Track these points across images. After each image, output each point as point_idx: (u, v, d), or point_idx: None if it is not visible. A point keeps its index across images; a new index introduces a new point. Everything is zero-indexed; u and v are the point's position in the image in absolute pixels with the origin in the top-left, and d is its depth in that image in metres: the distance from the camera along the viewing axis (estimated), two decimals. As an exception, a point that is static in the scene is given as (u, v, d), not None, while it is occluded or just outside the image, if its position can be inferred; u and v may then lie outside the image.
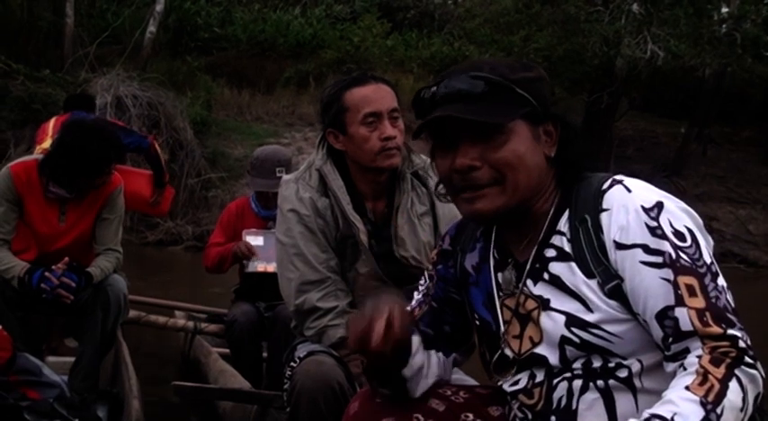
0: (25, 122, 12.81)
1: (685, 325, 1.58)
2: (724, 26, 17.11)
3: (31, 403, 3.12)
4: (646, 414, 1.50)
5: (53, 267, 3.82)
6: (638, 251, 1.65)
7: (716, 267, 1.65)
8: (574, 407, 1.73)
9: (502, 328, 1.84)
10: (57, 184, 3.93)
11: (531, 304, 1.79)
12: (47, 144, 5.53)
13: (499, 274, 1.87)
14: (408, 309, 2.06)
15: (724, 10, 17.92)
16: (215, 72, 17.20)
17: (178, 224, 13.17)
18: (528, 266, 1.79)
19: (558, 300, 1.74)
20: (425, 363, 1.92)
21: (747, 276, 13.96)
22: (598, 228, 1.71)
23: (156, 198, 6.13)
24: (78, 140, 3.82)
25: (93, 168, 3.88)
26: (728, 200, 17.21)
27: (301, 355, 2.65)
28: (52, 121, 6.11)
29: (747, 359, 1.55)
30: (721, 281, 1.64)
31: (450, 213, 2.71)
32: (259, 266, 4.50)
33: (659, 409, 1.50)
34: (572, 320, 1.71)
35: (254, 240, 4.54)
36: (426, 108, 1.77)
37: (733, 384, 1.52)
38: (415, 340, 1.89)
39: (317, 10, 19.50)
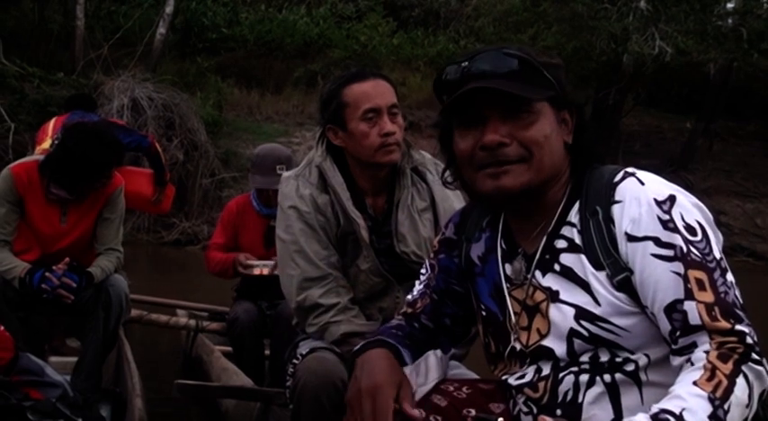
0: (41, 125, 12.88)
1: (694, 319, 1.58)
2: (730, 20, 17.09)
3: (34, 403, 3.11)
4: (655, 408, 1.49)
5: (54, 267, 3.82)
6: (650, 243, 1.64)
7: (725, 263, 1.65)
8: (579, 400, 1.72)
9: (513, 320, 1.83)
10: (58, 186, 3.92)
11: (539, 296, 1.78)
12: (47, 144, 5.55)
13: (507, 265, 1.85)
14: (410, 298, 2.05)
15: (729, 5, 17.89)
16: (224, 72, 17.28)
17: (194, 224, 13.29)
18: (537, 257, 1.78)
19: (568, 292, 1.73)
20: (423, 373, 1.91)
21: (756, 269, 13.97)
22: (609, 220, 1.70)
23: (157, 196, 6.14)
24: (79, 145, 3.81)
25: (94, 172, 3.88)
26: (736, 194, 17.22)
27: (303, 352, 2.64)
28: (52, 122, 6.13)
29: (754, 355, 1.55)
30: (730, 276, 1.63)
31: (450, 209, 2.69)
32: (255, 270, 4.44)
33: (667, 404, 1.49)
34: (581, 313, 1.70)
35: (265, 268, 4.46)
36: (455, 84, 1.75)
37: (740, 380, 1.51)
38: (406, 371, 1.88)
39: (322, 9, 19.50)
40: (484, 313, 1.91)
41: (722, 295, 1.59)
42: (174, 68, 16.59)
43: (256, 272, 4.43)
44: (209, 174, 13.94)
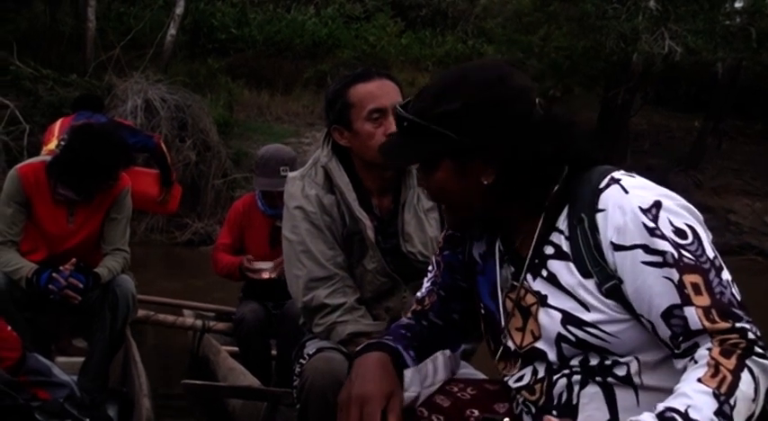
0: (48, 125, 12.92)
1: (694, 324, 1.58)
2: (738, 19, 17.03)
3: (42, 403, 3.11)
4: (660, 407, 1.49)
5: (60, 268, 3.82)
6: (639, 252, 1.63)
7: (719, 261, 1.64)
8: (574, 401, 1.73)
9: (503, 320, 1.84)
10: (65, 186, 3.93)
11: (530, 299, 1.78)
12: (53, 145, 5.56)
13: (503, 266, 1.86)
14: (419, 296, 2.06)
15: (738, 4, 17.83)
16: (233, 73, 17.25)
17: (206, 224, 13.30)
18: (527, 261, 1.79)
19: (555, 298, 1.74)
20: (431, 374, 1.93)
21: (765, 268, 13.88)
22: (594, 229, 1.69)
23: (164, 196, 6.15)
24: (86, 147, 3.82)
25: (100, 174, 3.89)
26: (744, 192, 17.12)
27: (310, 352, 2.64)
28: (58, 123, 6.12)
29: (758, 349, 1.55)
30: (725, 274, 1.62)
31: None
32: (263, 274, 4.45)
33: (673, 402, 1.49)
34: (568, 318, 1.71)
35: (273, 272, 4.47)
36: None
37: (745, 375, 1.51)
38: (407, 374, 1.89)
39: (330, 9, 19.49)
40: (483, 312, 1.92)
41: (718, 296, 1.58)
42: (184, 69, 16.57)
43: (264, 276, 4.44)
44: (221, 175, 13.96)
